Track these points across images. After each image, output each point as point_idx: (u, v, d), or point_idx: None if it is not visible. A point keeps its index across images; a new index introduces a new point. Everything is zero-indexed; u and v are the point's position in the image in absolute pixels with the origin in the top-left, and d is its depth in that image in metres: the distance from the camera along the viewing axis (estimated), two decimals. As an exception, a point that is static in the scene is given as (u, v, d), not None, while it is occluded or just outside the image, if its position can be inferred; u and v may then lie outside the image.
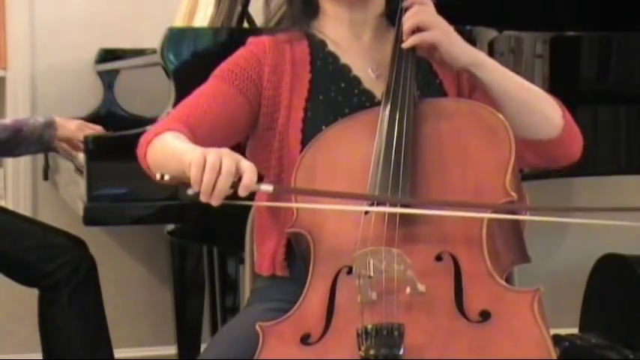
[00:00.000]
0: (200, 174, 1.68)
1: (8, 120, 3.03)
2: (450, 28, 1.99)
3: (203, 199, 1.69)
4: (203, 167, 1.68)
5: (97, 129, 2.98)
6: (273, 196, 1.97)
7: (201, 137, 1.95)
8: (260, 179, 1.82)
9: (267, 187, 1.73)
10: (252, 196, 1.78)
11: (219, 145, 1.99)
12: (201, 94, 2.05)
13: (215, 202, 1.69)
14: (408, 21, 1.98)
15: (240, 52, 2.10)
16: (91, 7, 3.81)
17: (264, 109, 2.06)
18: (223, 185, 1.68)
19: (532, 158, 2.05)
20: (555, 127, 2.01)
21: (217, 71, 2.08)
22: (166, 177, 1.73)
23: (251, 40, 2.12)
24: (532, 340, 1.60)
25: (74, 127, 2.94)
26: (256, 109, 2.06)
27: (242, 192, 1.69)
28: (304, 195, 1.90)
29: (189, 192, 1.71)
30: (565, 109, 2.04)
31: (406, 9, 2.01)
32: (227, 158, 1.69)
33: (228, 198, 1.71)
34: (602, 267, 3.55)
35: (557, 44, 2.90)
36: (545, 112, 2.01)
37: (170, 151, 1.86)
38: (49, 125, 2.94)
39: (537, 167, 2.13)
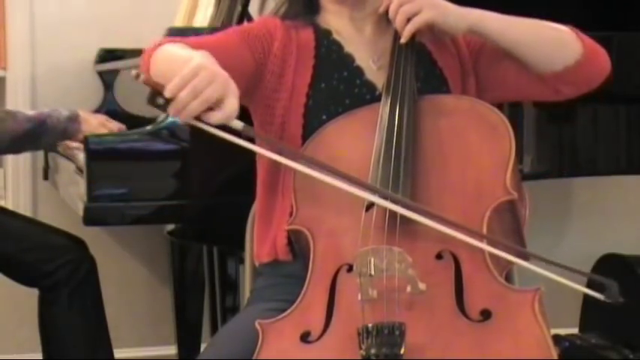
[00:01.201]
0: (180, 88, 1.64)
1: (32, 112, 3.03)
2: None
3: (170, 112, 1.65)
4: (187, 83, 1.64)
5: (120, 127, 2.98)
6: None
7: None
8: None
9: (236, 124, 1.69)
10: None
11: None
12: (212, 35, 2.05)
13: (181, 119, 1.66)
14: (396, 17, 1.98)
15: (253, 23, 2.13)
16: (91, 7, 3.81)
17: (266, 83, 2.04)
18: (193, 109, 1.64)
19: (570, 89, 2.06)
20: (575, 49, 2.01)
21: (231, 28, 2.09)
22: (142, 77, 1.67)
23: (263, 17, 2.15)
24: (533, 340, 1.61)
25: (96, 123, 2.93)
26: (258, 74, 2.03)
27: (205, 119, 1.66)
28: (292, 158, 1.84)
29: (159, 100, 1.64)
30: (575, 29, 2.04)
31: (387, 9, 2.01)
32: (215, 86, 1.66)
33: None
34: (602, 267, 3.55)
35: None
36: (559, 40, 2.02)
37: (175, 55, 1.82)
38: (73, 119, 2.92)
39: (577, 95, 2.10)
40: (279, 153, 1.85)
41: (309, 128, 1.99)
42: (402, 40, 1.99)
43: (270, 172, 2.04)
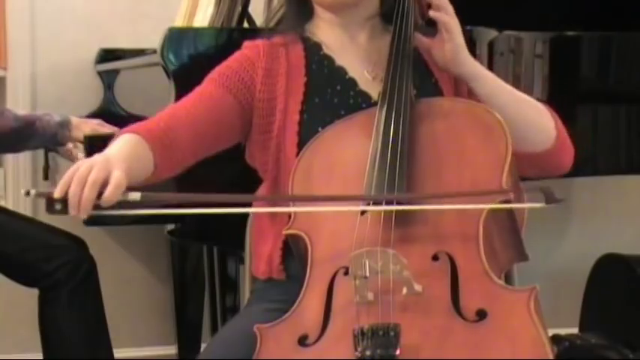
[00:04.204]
0: (66, 186, 1.65)
1: (24, 112, 3.03)
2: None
3: (71, 211, 1.65)
4: (70, 181, 1.65)
5: (114, 129, 2.97)
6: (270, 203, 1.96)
7: (185, 135, 1.95)
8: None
9: (134, 196, 1.68)
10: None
11: (212, 146, 2.00)
12: (191, 95, 2.05)
13: (82, 214, 1.65)
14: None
15: (235, 56, 2.10)
16: (91, 7, 3.82)
17: (258, 112, 2.05)
18: (86, 196, 1.64)
19: (526, 170, 2.05)
20: (549, 139, 2.03)
21: (210, 74, 2.08)
22: (32, 192, 1.68)
23: (246, 44, 2.12)
24: (528, 340, 1.60)
25: (88, 130, 2.93)
26: (248, 110, 2.05)
27: (103, 204, 1.66)
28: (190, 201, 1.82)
29: (57, 206, 1.65)
30: (557, 119, 2.06)
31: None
32: (97, 168, 1.67)
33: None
34: (602, 267, 3.55)
35: (557, 44, 2.90)
36: (539, 125, 2.03)
37: None
38: (64, 125, 2.92)
39: (530, 177, 2.13)
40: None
41: (304, 145, 1.99)
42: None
43: (270, 189, 2.06)
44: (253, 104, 2.05)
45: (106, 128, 2.96)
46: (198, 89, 2.06)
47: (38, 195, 1.68)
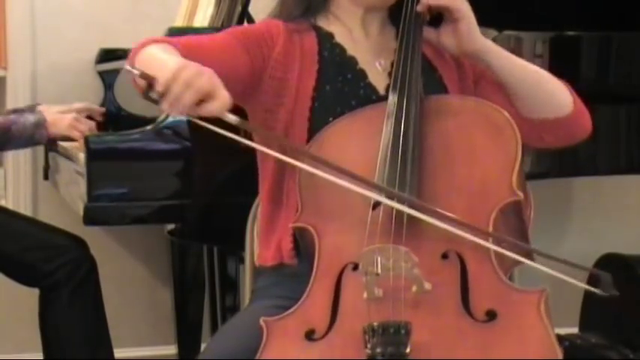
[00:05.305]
0: (171, 81, 1.65)
1: None
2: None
3: (164, 105, 1.66)
4: (178, 76, 1.65)
5: (89, 124, 2.97)
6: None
7: None
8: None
9: (232, 118, 1.69)
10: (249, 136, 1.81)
11: None
12: (208, 37, 2.03)
13: (173, 113, 1.69)
14: None
15: (256, 25, 2.12)
16: (91, 7, 3.81)
17: (267, 88, 2.03)
18: (187, 99, 1.65)
19: (552, 139, 2.10)
20: (568, 103, 2.07)
21: (230, 29, 2.09)
22: (135, 71, 1.68)
23: (266, 21, 2.11)
24: (538, 341, 1.61)
25: (64, 127, 2.92)
26: (256, 79, 2.02)
27: (202, 112, 1.67)
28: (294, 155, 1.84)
29: (153, 95, 1.66)
30: (567, 84, 2.09)
31: None
32: (205, 78, 1.67)
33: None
34: (602, 267, 3.55)
35: (557, 44, 2.90)
36: (555, 91, 2.07)
37: (159, 56, 1.81)
38: (40, 125, 2.92)
39: (557, 147, 2.15)
40: (283, 151, 1.86)
41: (315, 131, 1.98)
42: (418, 9, 2.03)
43: (275, 181, 2.05)
44: (263, 76, 2.03)
45: (82, 125, 2.95)
46: (216, 36, 2.04)
47: (142, 76, 1.67)
